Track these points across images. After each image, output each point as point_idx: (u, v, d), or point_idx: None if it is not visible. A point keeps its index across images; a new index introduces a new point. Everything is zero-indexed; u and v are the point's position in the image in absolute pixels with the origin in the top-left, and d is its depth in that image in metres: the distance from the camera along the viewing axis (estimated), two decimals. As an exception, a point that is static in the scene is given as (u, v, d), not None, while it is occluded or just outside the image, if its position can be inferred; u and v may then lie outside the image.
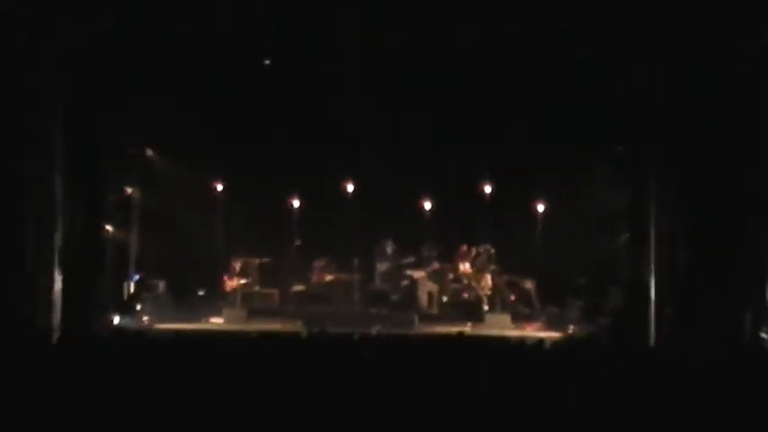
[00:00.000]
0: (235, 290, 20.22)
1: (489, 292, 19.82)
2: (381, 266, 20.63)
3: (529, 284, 19.82)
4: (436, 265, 20.32)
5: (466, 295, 20.12)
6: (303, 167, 19.83)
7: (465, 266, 20.32)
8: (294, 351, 10.10)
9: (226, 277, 20.30)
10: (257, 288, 20.54)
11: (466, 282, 20.23)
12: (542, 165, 18.60)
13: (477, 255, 20.17)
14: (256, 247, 20.51)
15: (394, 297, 20.20)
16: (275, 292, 20.57)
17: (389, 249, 20.59)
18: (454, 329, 15.99)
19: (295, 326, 17.68)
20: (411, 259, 20.22)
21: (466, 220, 20.17)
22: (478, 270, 20.08)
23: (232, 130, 19.04)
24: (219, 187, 21.27)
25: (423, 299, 20.04)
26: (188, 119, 18.44)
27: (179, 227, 19.78)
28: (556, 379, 8.42)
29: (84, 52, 15.45)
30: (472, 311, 19.48)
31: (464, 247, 20.45)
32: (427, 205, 21.07)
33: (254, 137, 19.51)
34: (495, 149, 18.96)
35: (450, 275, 20.43)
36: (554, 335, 17.09)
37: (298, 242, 20.43)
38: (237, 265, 20.34)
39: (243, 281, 20.23)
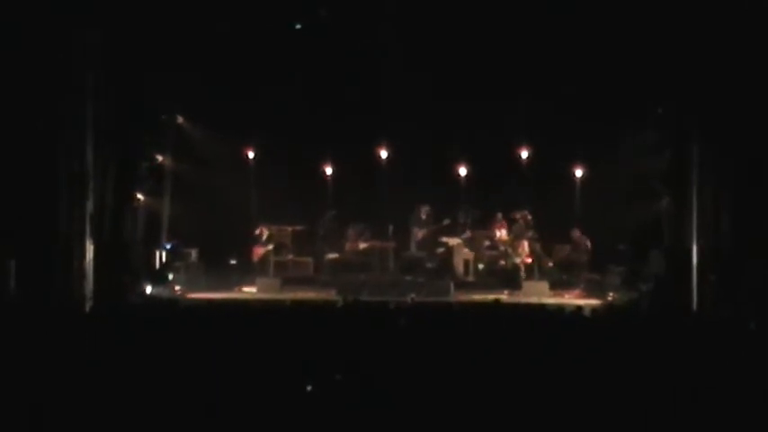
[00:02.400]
0: (265, 258, 20.08)
1: (527, 259, 19.59)
2: (417, 233, 20.52)
3: (567, 251, 19.61)
4: (471, 233, 20.33)
5: (503, 262, 20.02)
6: (336, 133, 19.76)
7: (502, 233, 20.29)
8: (329, 319, 10.11)
9: (256, 246, 20.23)
10: (291, 257, 20.46)
11: (503, 249, 20.12)
12: (581, 129, 18.45)
13: (515, 221, 20.05)
14: (289, 215, 20.49)
15: (429, 264, 20.01)
16: (309, 260, 20.51)
17: (425, 216, 20.49)
18: (491, 297, 15.90)
19: (329, 294, 17.72)
20: (447, 221, 20.07)
21: (503, 186, 20.07)
22: (516, 237, 19.99)
23: (264, 97, 18.91)
24: (251, 155, 20.98)
25: (459, 266, 19.91)
26: (220, 85, 18.45)
27: (211, 195, 19.73)
28: (595, 347, 8.35)
29: (115, 19, 15.52)
30: (509, 279, 19.34)
31: (500, 215, 20.41)
32: (463, 171, 20.91)
33: (287, 103, 19.34)
34: (533, 114, 18.84)
35: (487, 242, 20.37)
36: (594, 302, 16.93)
37: (333, 212, 20.47)
38: (265, 233, 20.30)
39: (269, 248, 20.07)
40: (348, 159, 20.46)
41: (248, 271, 20.08)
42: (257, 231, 20.32)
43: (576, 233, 19.40)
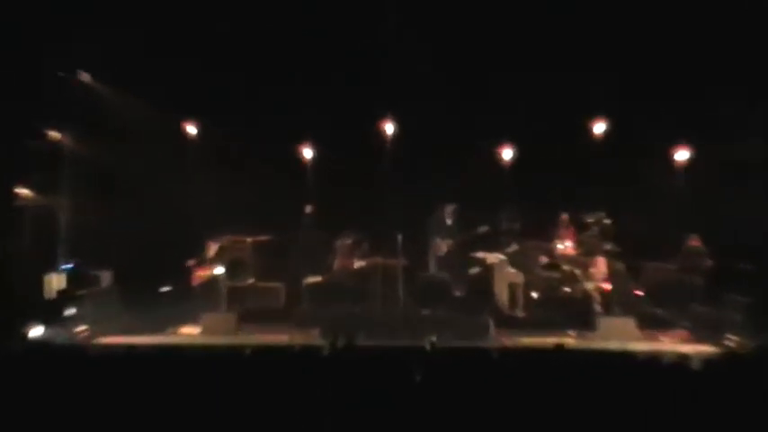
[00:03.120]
0: (213, 284, 20.29)
1: (604, 285, 19.63)
2: (439, 246, 20.73)
3: (666, 272, 19.82)
4: (520, 245, 20.51)
5: (568, 289, 19.97)
6: (319, 101, 20.22)
7: (566, 245, 20.40)
8: (309, 374, 10.16)
9: (198, 266, 20.41)
10: (252, 281, 20.68)
11: (568, 268, 20.12)
12: (682, 94, 18.84)
13: (586, 228, 20.16)
14: (250, 220, 20.57)
15: (459, 292, 20.07)
16: (279, 286, 20.63)
17: (450, 219, 20.71)
18: (550, 341, 15.98)
19: (309, 337, 17.85)
20: (484, 228, 20.28)
21: (567, 177, 20.31)
22: (587, 251, 20.03)
23: (213, 50, 19.47)
24: (193, 131, 21.45)
25: (502, 294, 19.93)
26: (146, 31, 18.85)
27: (133, 190, 19.95)
28: (709, 413, 8.48)
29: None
30: (578, 313, 19.33)
31: (564, 218, 20.53)
32: (507, 154, 21.02)
33: (245, 59, 19.91)
34: (609, 77, 19.24)
35: (544, 259, 20.44)
36: (705, 348, 16.98)
37: (308, 208, 20.74)
38: (213, 247, 20.60)
39: (219, 268, 20.13)
40: (336, 138, 20.73)
41: (188, 302, 20.16)
42: (193, 261, 20.27)
43: (694, 242, 19.67)
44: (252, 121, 20.40)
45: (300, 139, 21.57)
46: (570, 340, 17.92)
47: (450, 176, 20.63)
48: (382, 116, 21.09)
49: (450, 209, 20.96)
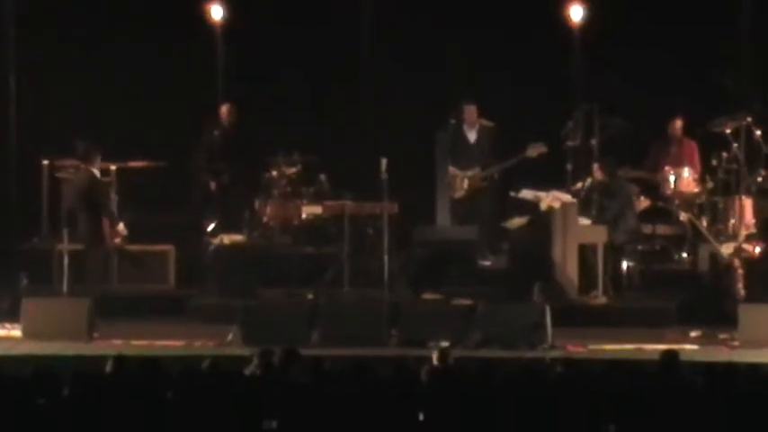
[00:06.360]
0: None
1: (750, 248, 19.36)
2: (455, 180, 20.77)
3: None
4: (606, 168, 20.18)
5: (685, 255, 20.30)
6: None
7: (683, 177, 20.37)
8: (226, 409, 10.45)
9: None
10: (118, 239, 19.89)
11: (686, 218, 20.27)
12: None
13: (719, 144, 20.09)
14: (116, 134, 20.43)
15: (488, 262, 20.19)
16: (167, 251, 20.80)
17: (475, 131, 20.83)
18: (652, 347, 16.27)
19: (219, 343, 17.72)
20: (534, 148, 20.36)
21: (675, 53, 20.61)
22: (722, 186, 20.10)
23: None
24: None
25: (567, 265, 19.62)
26: None
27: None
28: None
29: None
30: (704, 298, 19.04)
31: (678, 125, 20.91)
32: (576, 13, 20.27)
33: None
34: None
35: (642, 202, 20.63)
36: None
37: (223, 112, 20.30)
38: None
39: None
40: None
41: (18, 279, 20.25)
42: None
43: None
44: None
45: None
46: (690, 346, 17.44)
47: (466, 47, 21.18)
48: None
49: (472, 113, 20.54)
